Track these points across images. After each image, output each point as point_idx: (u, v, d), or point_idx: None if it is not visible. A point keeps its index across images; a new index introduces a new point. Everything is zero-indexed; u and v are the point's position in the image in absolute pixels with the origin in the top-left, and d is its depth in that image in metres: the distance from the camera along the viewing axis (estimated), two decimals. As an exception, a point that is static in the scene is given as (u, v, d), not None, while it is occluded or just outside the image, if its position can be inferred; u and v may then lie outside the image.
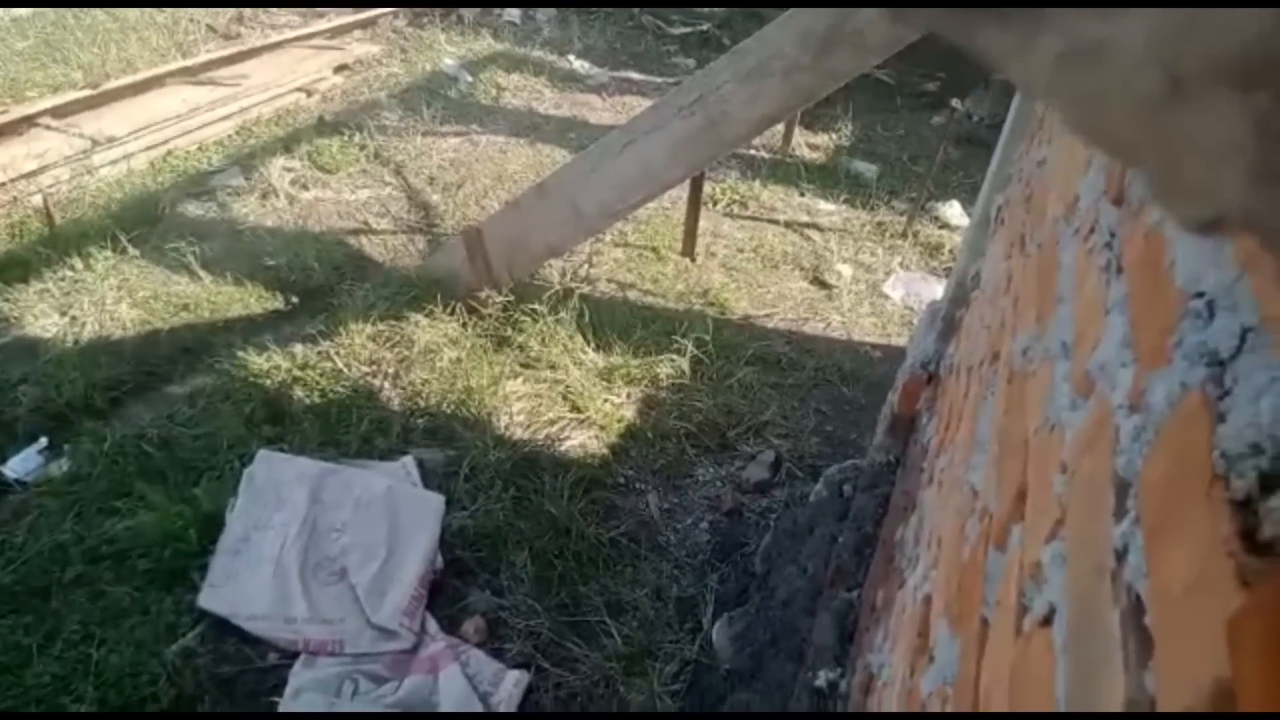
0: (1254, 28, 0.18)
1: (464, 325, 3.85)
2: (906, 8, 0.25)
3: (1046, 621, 0.59)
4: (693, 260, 4.75)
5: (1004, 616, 0.72)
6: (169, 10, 7.51)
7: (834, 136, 6.41)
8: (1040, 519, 0.70)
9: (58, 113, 5.44)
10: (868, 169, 5.92)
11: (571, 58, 7.56)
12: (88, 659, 2.50)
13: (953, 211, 5.38)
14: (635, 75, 7.41)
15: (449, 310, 3.86)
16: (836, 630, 2.28)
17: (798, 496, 3.29)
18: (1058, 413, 0.75)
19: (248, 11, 7.77)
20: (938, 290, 4.40)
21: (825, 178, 5.79)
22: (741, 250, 4.95)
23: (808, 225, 5.28)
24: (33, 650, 2.51)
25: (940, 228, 5.31)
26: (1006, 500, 0.86)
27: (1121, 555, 0.48)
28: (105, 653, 2.51)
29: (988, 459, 1.08)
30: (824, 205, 5.54)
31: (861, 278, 4.84)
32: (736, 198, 5.44)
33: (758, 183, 5.62)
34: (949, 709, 0.86)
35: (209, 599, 2.63)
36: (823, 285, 4.73)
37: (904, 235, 5.19)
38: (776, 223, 5.27)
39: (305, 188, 5.12)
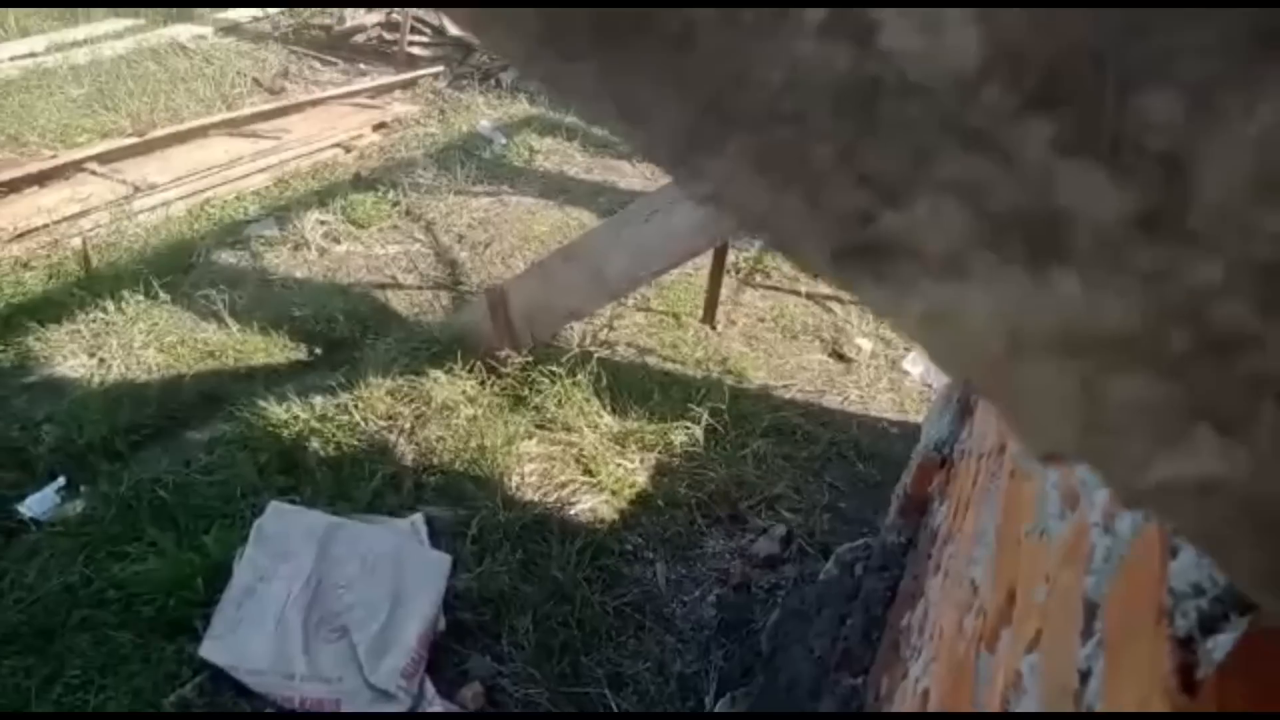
0: (1072, 308, 0.21)
1: (482, 383, 3.88)
2: (798, 259, 0.27)
3: None
4: (713, 328, 4.78)
5: None
6: (217, 63, 7.79)
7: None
8: (1024, 626, 0.70)
9: (104, 159, 5.62)
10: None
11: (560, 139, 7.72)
12: (85, 705, 2.50)
13: (976, 290, 5.39)
14: (626, 165, 7.55)
15: (468, 368, 3.90)
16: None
17: (807, 574, 3.25)
18: (1046, 520, 0.76)
19: (293, 68, 8.04)
20: (958, 369, 4.38)
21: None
22: (762, 319, 4.98)
23: (829, 297, 5.30)
24: (31, 693, 2.51)
25: (963, 305, 5.31)
26: (999, 600, 0.86)
27: (1085, 677, 0.48)
28: (103, 700, 2.51)
29: (987, 555, 1.08)
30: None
31: (881, 352, 4.84)
32: (759, 267, 5.49)
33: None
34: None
35: (210, 650, 2.63)
36: (842, 358, 4.74)
37: (926, 311, 5.19)
38: (798, 293, 5.30)
39: (337, 241, 5.22)
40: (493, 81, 8.17)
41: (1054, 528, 0.72)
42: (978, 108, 0.22)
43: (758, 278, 5.43)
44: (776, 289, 5.34)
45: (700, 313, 4.82)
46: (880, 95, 0.23)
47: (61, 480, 3.37)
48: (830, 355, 4.76)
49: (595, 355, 4.07)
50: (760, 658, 2.88)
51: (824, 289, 5.39)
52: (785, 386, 4.43)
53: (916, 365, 4.74)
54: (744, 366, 4.46)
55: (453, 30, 8.16)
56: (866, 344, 4.84)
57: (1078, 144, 0.22)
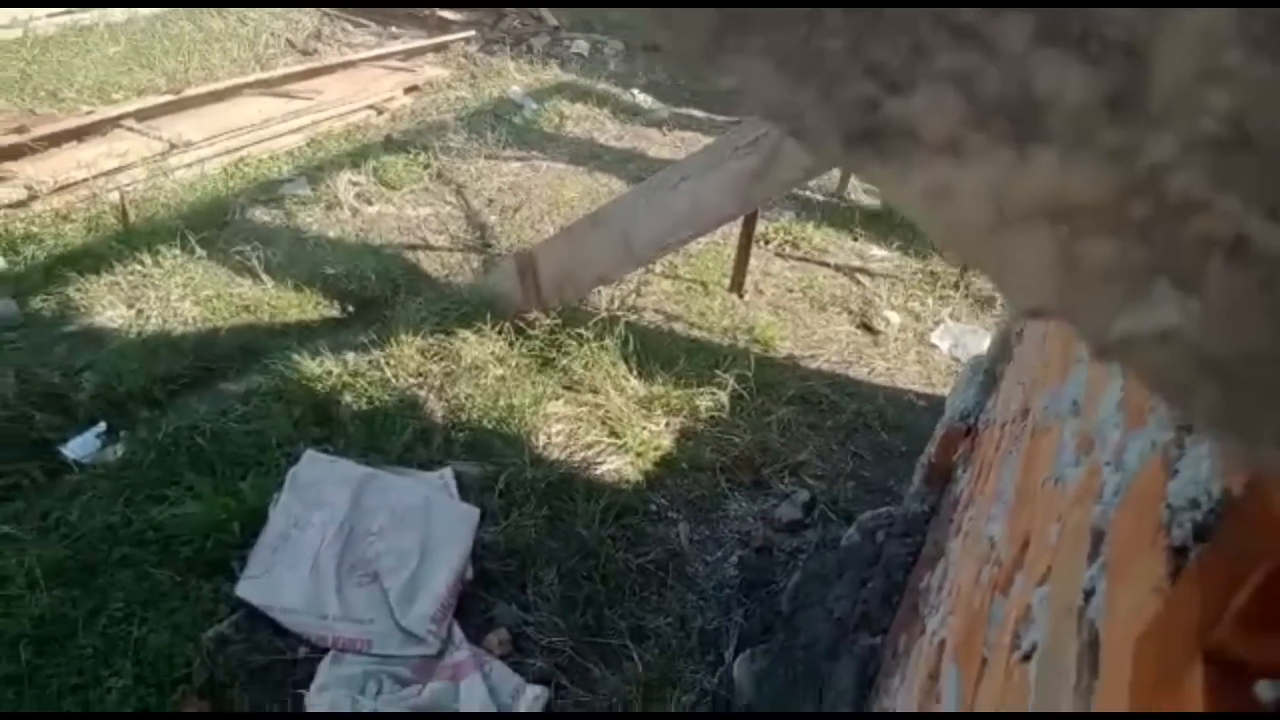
0: (1049, 181, 0.25)
1: (511, 345, 3.93)
2: (813, 144, 0.31)
3: (1027, 657, 0.62)
4: (740, 297, 4.80)
5: (999, 656, 0.75)
6: (251, 23, 7.83)
7: (890, 184, 6.42)
8: (1036, 566, 0.73)
9: (140, 116, 5.70)
10: (922, 219, 5.91)
11: (635, 91, 7.71)
12: (128, 636, 2.58)
13: (1005, 266, 5.35)
14: (697, 112, 7.53)
15: (497, 329, 3.95)
16: (857, 675, 2.28)
17: (829, 539, 3.28)
18: (1062, 468, 0.79)
19: (325, 30, 8.07)
20: (986, 344, 4.39)
21: (880, 224, 5.81)
22: (790, 290, 4.99)
23: (858, 270, 5.30)
24: (78, 624, 2.60)
25: (991, 282, 5.29)
26: (1014, 549, 0.89)
27: (1089, 595, 0.51)
28: (145, 632, 2.60)
29: (1005, 511, 1.11)
30: (876, 251, 5.56)
31: (910, 325, 4.84)
32: (789, 238, 5.49)
33: (811, 224, 5.66)
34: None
35: (246, 589, 2.71)
36: (870, 330, 4.74)
37: (956, 286, 5.19)
38: (827, 265, 5.30)
39: (369, 202, 5.28)
40: (524, 47, 8.17)
41: (1069, 474, 0.75)
42: (967, 5, 0.27)
43: (787, 249, 5.43)
44: (806, 260, 5.34)
45: (728, 282, 4.84)
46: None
47: (102, 425, 3.46)
48: (858, 327, 4.77)
49: (622, 320, 4.11)
50: (780, 617, 2.92)
51: (854, 261, 5.39)
52: (812, 356, 4.45)
53: (944, 339, 4.74)
54: (771, 336, 4.48)
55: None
56: (895, 317, 4.84)
57: (1052, 36, 0.26)
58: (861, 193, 6.28)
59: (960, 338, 4.74)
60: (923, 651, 1.56)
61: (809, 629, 2.76)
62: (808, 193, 6.07)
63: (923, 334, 4.78)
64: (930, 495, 2.81)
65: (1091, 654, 0.48)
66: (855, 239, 5.63)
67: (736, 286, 4.81)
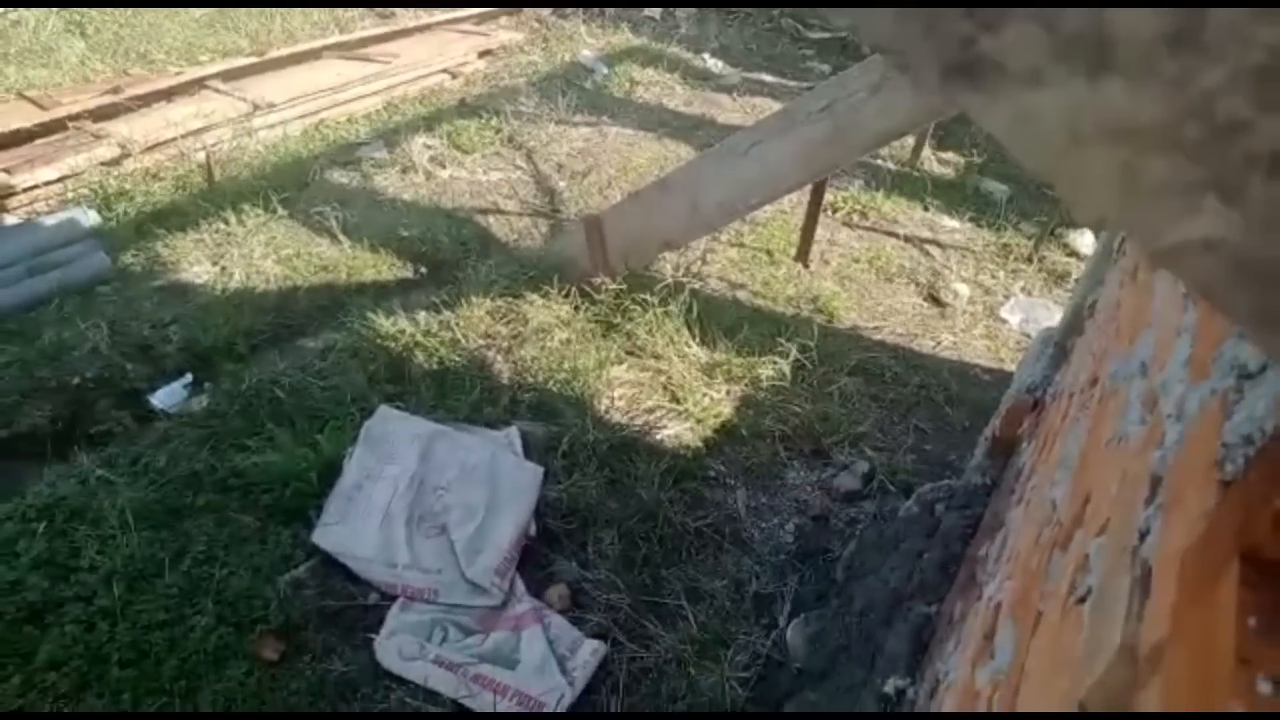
0: (1117, 107, 0.28)
1: (576, 309, 3.99)
2: (914, 77, 0.34)
3: (1082, 600, 0.65)
4: (806, 266, 4.77)
5: (1054, 604, 0.77)
6: (332, -13, 7.96)
7: (966, 153, 6.29)
8: (1095, 518, 0.75)
9: (225, 77, 5.87)
10: (999, 189, 5.79)
11: (706, 56, 7.65)
12: (210, 578, 2.74)
13: (1084, 240, 5.21)
14: (768, 78, 7.44)
15: (564, 293, 4.02)
16: (911, 641, 2.30)
17: (887, 510, 3.29)
18: (1127, 426, 0.80)
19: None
20: (1058, 318, 4.30)
21: (952, 194, 5.70)
22: (857, 260, 4.94)
23: (928, 241, 5.22)
24: (165, 564, 2.77)
25: (1069, 255, 5.16)
26: (1075, 507, 0.91)
27: (1144, 535, 0.54)
28: (226, 574, 2.75)
29: (1068, 475, 1.12)
30: (948, 222, 5.46)
31: (979, 299, 4.76)
32: (857, 207, 5.42)
33: (881, 194, 5.58)
34: (997, 695, 0.91)
35: (322, 536, 2.85)
36: (937, 303, 4.68)
37: (1029, 260, 5.07)
38: (896, 236, 5.23)
39: (442, 165, 5.38)
40: (596, 10, 8.14)
41: (1133, 431, 0.76)
42: None
43: (855, 218, 5.37)
44: (874, 230, 5.28)
45: (794, 251, 4.81)
46: None
47: (188, 377, 3.65)
48: (925, 299, 4.71)
49: (687, 287, 4.13)
50: (835, 584, 2.96)
51: (924, 232, 5.30)
52: (876, 328, 4.42)
53: (1015, 314, 4.65)
54: (835, 306, 4.46)
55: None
56: (964, 289, 4.77)
57: None
58: (935, 163, 6.15)
59: (1031, 312, 4.64)
60: (979, 614, 1.58)
61: (863, 596, 2.78)
62: (879, 161, 5.97)
63: (992, 308, 4.70)
64: (992, 469, 2.80)
65: (1144, 585, 0.50)
66: (926, 209, 5.53)
67: (802, 255, 4.79)
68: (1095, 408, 1.16)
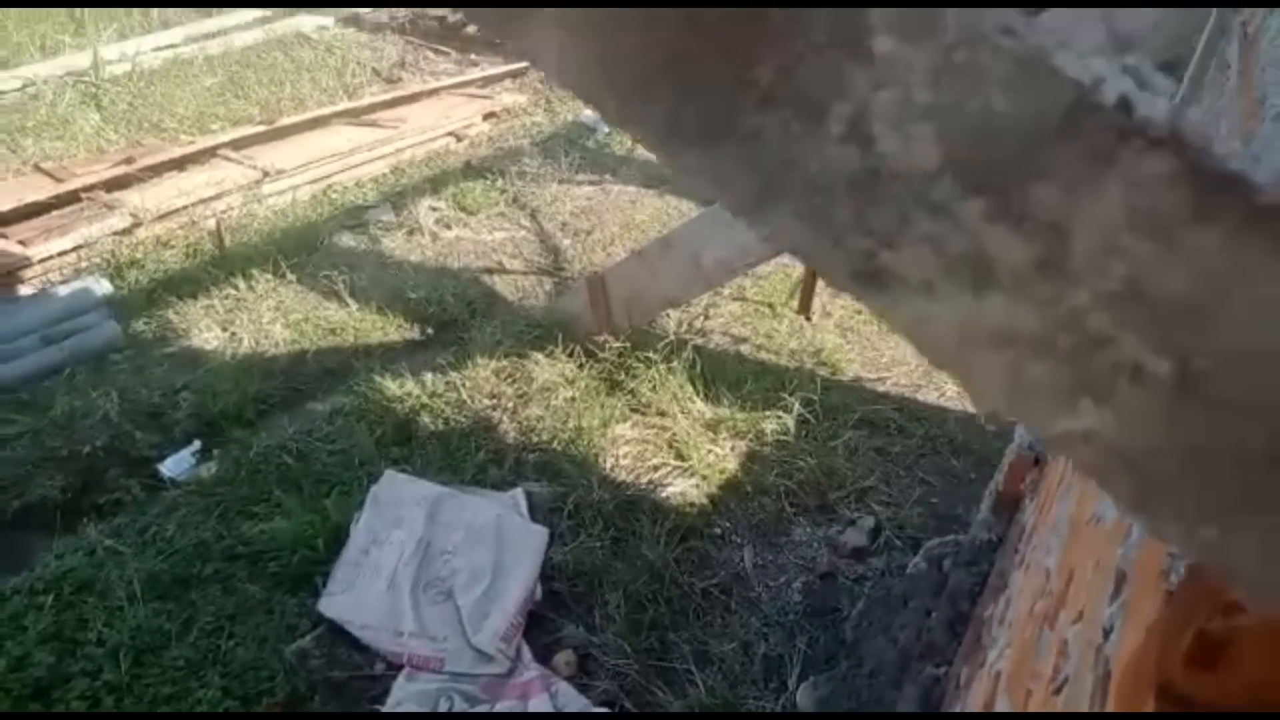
0: (998, 317, 0.32)
1: (580, 367, 4.02)
2: (826, 277, 0.38)
3: (1059, 690, 0.66)
4: (808, 319, 4.80)
5: (1039, 688, 0.78)
6: (338, 53, 8.17)
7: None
8: (1074, 603, 0.77)
9: (236, 145, 6.01)
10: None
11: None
12: (217, 649, 2.75)
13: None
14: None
15: (568, 352, 4.05)
16: (919, 704, 2.28)
17: (895, 566, 3.27)
18: (1103, 508, 0.82)
19: (409, 58, 8.36)
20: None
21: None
22: (859, 312, 4.96)
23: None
24: (172, 635, 2.78)
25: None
26: (1061, 583, 0.92)
27: (1108, 633, 0.56)
28: (233, 645, 2.76)
29: (1059, 543, 1.13)
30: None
31: (982, 348, 4.77)
32: (859, 259, 5.46)
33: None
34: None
35: (328, 605, 2.85)
36: (940, 353, 4.69)
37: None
38: (898, 287, 5.26)
39: (448, 227, 5.46)
40: (599, 70, 8.31)
41: (1108, 514, 0.78)
42: (937, 190, 0.35)
43: (856, 270, 5.41)
44: (875, 281, 5.31)
45: (795, 304, 4.85)
46: (878, 180, 0.36)
47: (197, 444, 3.68)
48: (928, 350, 4.72)
49: (690, 343, 4.16)
50: (844, 645, 2.93)
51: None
52: (880, 380, 4.43)
53: (1017, 362, 4.65)
54: (838, 359, 4.48)
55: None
56: (966, 339, 4.78)
57: (998, 216, 0.35)
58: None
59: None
60: (981, 681, 1.58)
61: (873, 657, 2.76)
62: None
63: (997, 357, 4.71)
64: (998, 524, 2.79)
65: (1103, 687, 0.52)
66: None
67: (804, 309, 4.82)
68: (1081, 477, 1.17)
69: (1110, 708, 0.49)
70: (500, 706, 2.60)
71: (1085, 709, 0.55)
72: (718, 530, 3.39)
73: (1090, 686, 0.56)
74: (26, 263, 4.61)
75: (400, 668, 2.72)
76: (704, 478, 3.60)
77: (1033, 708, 0.82)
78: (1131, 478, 0.35)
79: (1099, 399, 0.34)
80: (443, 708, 2.58)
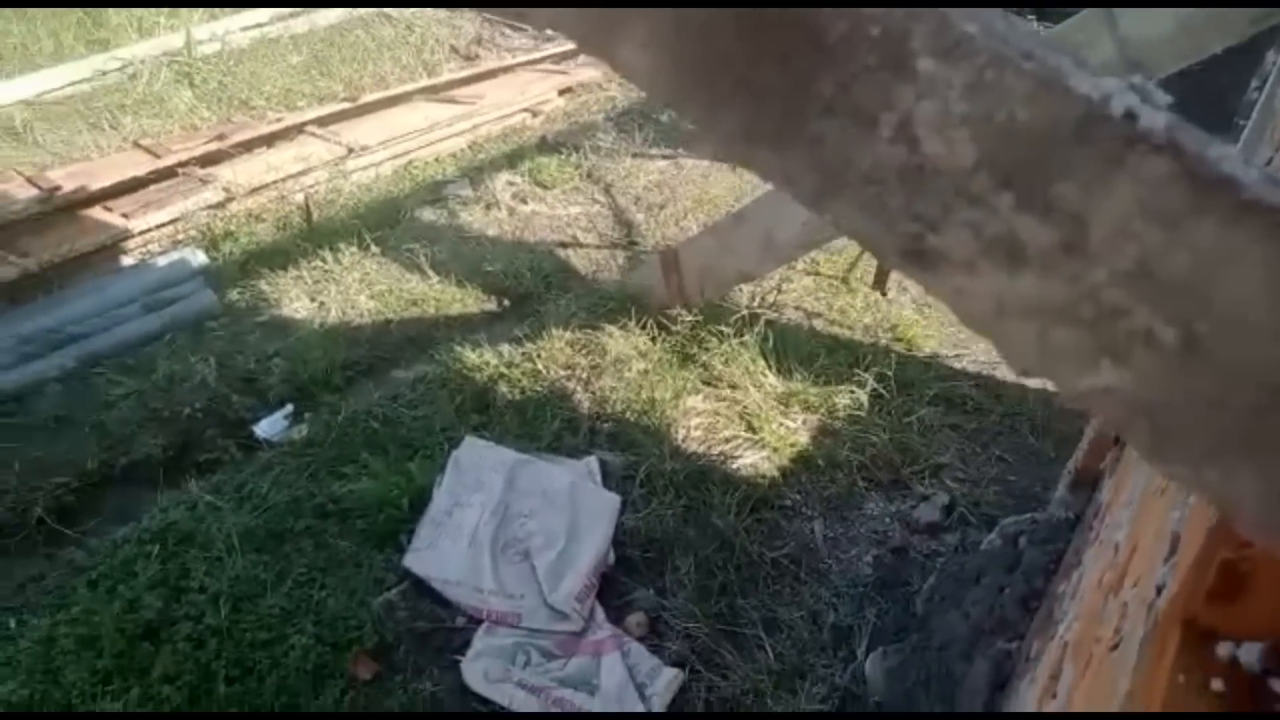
0: (1029, 291, 0.36)
1: (654, 340, 4.08)
2: (878, 256, 0.43)
3: (1114, 648, 0.69)
4: (883, 294, 4.77)
5: (1100, 650, 0.81)
6: (418, 30, 8.32)
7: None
8: (1135, 569, 0.79)
9: (322, 122, 6.19)
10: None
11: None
12: (309, 599, 2.90)
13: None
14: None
15: (641, 324, 4.11)
16: (990, 676, 2.29)
17: (969, 543, 3.26)
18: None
19: (485, 35, 8.47)
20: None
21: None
22: (936, 288, 4.90)
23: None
24: (268, 585, 2.94)
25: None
26: (1127, 554, 0.94)
27: (1160, 590, 0.59)
28: (324, 595, 2.90)
29: (1129, 517, 1.14)
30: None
31: (1062, 326, 4.67)
32: (936, 235, 5.38)
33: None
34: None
35: (413, 561, 2.98)
36: (1019, 331, 4.61)
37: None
38: (976, 263, 5.17)
39: (524, 201, 5.56)
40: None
41: (1172, 483, 0.80)
42: (974, 184, 0.41)
43: (933, 246, 5.33)
44: (952, 258, 5.22)
45: (871, 279, 4.81)
46: (923, 174, 0.42)
47: (289, 407, 3.86)
48: (1006, 327, 4.65)
49: (763, 317, 4.18)
50: (914, 618, 2.94)
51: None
52: (957, 356, 4.38)
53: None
54: (914, 334, 4.44)
55: None
56: (1046, 317, 4.68)
57: (1027, 206, 0.40)
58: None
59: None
60: (1050, 653, 1.59)
61: (943, 630, 2.76)
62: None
63: (1078, 335, 4.60)
64: (1075, 502, 2.76)
65: (1154, 639, 0.55)
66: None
67: (879, 283, 4.78)
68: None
69: (1150, 655, 0.53)
70: (574, 663, 2.70)
71: (1131, 662, 0.58)
72: (788, 502, 3.42)
73: (1139, 641, 0.59)
74: (128, 234, 4.85)
75: (480, 622, 2.83)
76: (775, 450, 3.63)
77: (1091, 669, 0.85)
78: (1147, 427, 0.40)
79: (1117, 360, 0.40)
80: (519, 661, 2.68)
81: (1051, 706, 1.04)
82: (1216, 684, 0.48)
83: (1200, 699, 0.48)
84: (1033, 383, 4.22)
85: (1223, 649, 0.50)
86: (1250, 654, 0.49)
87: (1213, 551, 0.46)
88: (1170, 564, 0.60)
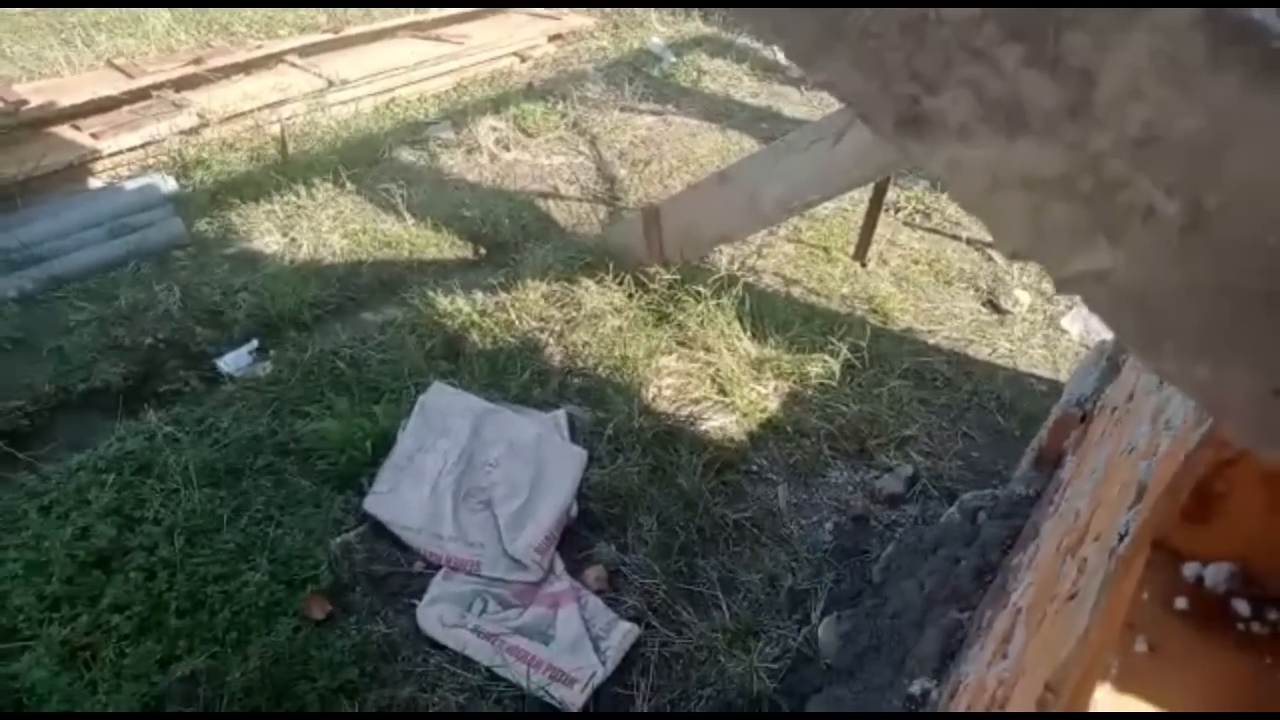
0: (1028, 160, 0.33)
1: (629, 296, 4.04)
2: (872, 125, 0.39)
3: (1072, 597, 0.68)
4: (863, 265, 4.75)
5: (1055, 605, 0.80)
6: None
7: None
8: (1097, 526, 0.78)
9: (303, 52, 6.04)
10: (1065, 197, 5.66)
11: (776, 48, 7.61)
12: (265, 536, 2.87)
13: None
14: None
15: (618, 280, 4.07)
16: (940, 644, 2.31)
17: (928, 515, 3.29)
18: (1137, 437, 0.83)
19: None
20: (1117, 332, 4.20)
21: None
22: (916, 262, 4.90)
23: (992, 245, 5.14)
24: (224, 520, 2.90)
25: (1133, 268, 5.04)
26: (1088, 514, 0.94)
27: (1122, 537, 0.58)
28: (281, 534, 2.87)
29: (1092, 485, 1.14)
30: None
31: (1040, 307, 4.69)
32: (920, 207, 5.37)
33: (946, 195, 5.51)
34: (1000, 692, 0.94)
35: (373, 504, 2.96)
36: (996, 309, 4.62)
37: (1092, 270, 4.96)
38: (959, 239, 5.16)
39: (507, 148, 5.46)
40: (668, -2, 8.14)
41: (1141, 442, 0.79)
42: (979, 36, 0.38)
43: (918, 218, 5.32)
44: (937, 232, 5.22)
45: (852, 249, 4.79)
46: (926, 23, 0.39)
47: (254, 343, 3.79)
48: (984, 305, 4.66)
49: (741, 280, 4.15)
50: (870, 585, 2.97)
51: (987, 236, 5.23)
52: (931, 331, 4.39)
53: (1076, 324, 4.57)
54: (891, 307, 4.43)
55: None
56: (1025, 297, 4.70)
57: (1034, 60, 0.37)
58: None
59: (1092, 323, 4.55)
60: (1003, 620, 1.60)
61: (898, 598, 2.79)
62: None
63: (1054, 317, 4.63)
64: (1037, 480, 2.78)
65: (1114, 579, 0.55)
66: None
67: (860, 254, 4.76)
68: (1125, 420, 1.17)
69: (1111, 583, 0.52)
70: (530, 613, 2.70)
71: (1090, 602, 0.57)
72: (754, 467, 3.43)
73: (1100, 582, 0.58)
74: (97, 155, 4.72)
75: (438, 568, 2.82)
76: (744, 415, 3.62)
77: (1046, 622, 0.84)
78: (1138, 316, 0.38)
79: (1113, 238, 0.37)
80: (476, 608, 2.68)
81: (1000, 666, 1.04)
82: (1180, 602, 0.49)
83: (1164, 615, 0.48)
84: (1003, 362, 4.25)
85: (1189, 569, 0.50)
86: (1217, 575, 0.50)
87: (1190, 471, 0.45)
88: (1134, 511, 0.59)
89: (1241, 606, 0.48)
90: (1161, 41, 0.33)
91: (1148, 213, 0.36)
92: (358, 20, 6.88)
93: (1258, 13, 0.32)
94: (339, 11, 7.09)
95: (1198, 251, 0.35)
